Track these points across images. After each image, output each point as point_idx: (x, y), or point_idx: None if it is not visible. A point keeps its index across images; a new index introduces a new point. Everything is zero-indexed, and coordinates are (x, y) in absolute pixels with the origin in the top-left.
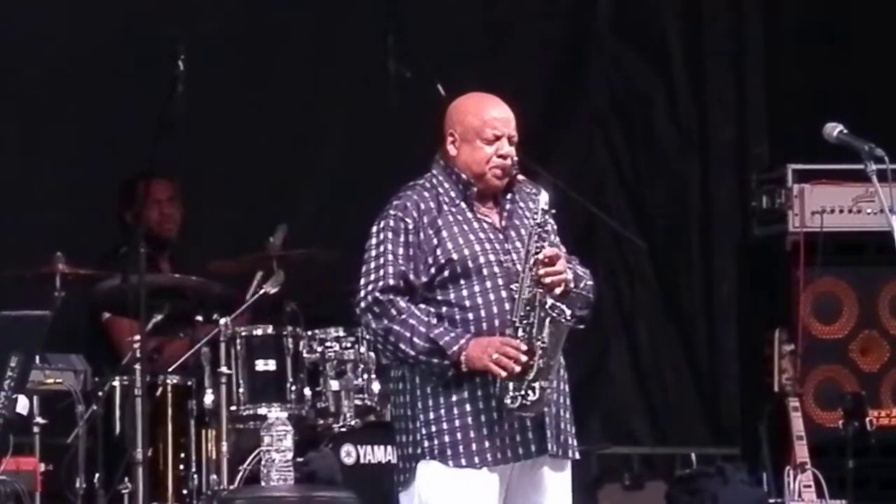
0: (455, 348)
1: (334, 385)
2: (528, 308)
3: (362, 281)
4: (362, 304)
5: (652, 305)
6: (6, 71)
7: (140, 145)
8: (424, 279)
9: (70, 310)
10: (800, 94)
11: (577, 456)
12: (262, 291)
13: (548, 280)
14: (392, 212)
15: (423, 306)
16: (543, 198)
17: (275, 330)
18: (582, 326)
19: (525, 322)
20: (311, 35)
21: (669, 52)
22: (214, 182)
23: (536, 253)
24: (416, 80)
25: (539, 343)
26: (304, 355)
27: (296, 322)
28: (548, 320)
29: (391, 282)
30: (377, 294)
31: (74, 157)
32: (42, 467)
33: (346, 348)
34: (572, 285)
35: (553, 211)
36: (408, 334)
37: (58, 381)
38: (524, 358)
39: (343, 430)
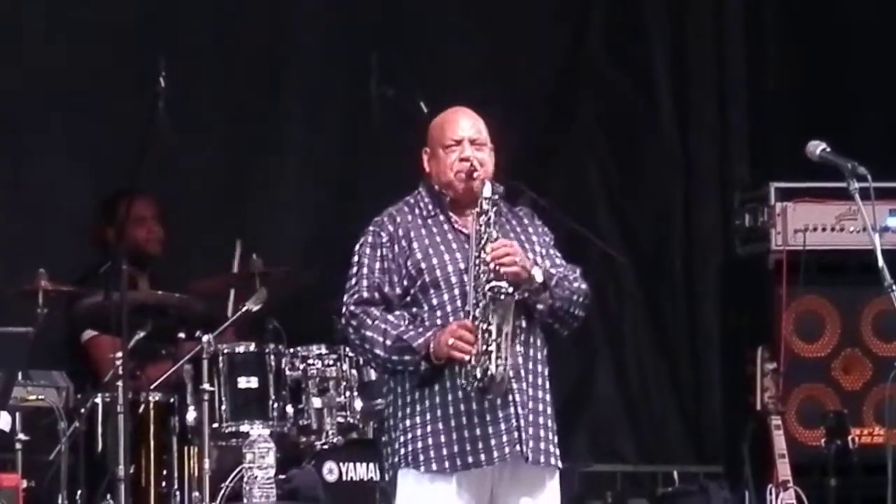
0: (421, 341)
1: (316, 402)
2: (478, 295)
3: (344, 297)
4: (343, 320)
5: (638, 324)
6: None
7: (122, 163)
8: (399, 290)
9: (52, 327)
10: (782, 113)
11: (559, 464)
12: (244, 309)
13: (493, 264)
14: (371, 228)
15: (398, 312)
16: (486, 188)
17: (257, 347)
18: (516, 294)
19: (477, 308)
20: (294, 55)
21: (654, 76)
22: (194, 201)
23: (481, 241)
24: (399, 98)
25: (483, 326)
26: (287, 373)
27: (278, 339)
28: (490, 301)
29: (365, 294)
30: (352, 307)
31: (57, 175)
32: (24, 484)
33: (329, 366)
34: (527, 265)
35: (496, 197)
36: (380, 338)
37: (40, 397)
38: (477, 340)
39: (325, 447)
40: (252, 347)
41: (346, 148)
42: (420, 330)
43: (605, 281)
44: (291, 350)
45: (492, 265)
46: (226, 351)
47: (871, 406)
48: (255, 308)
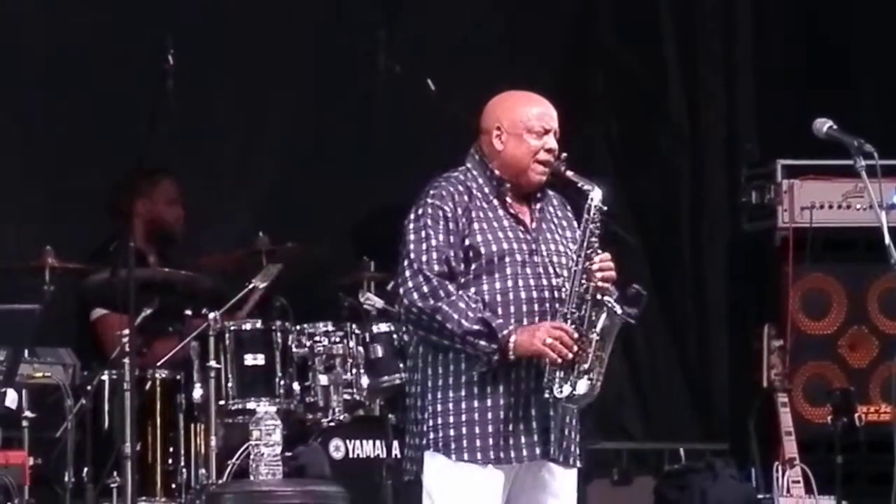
0: (505, 332)
1: (323, 380)
2: (579, 301)
3: (408, 266)
4: (410, 285)
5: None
6: None
7: (130, 141)
8: (462, 266)
9: (59, 304)
10: (790, 90)
11: (579, 464)
12: (251, 286)
13: (600, 275)
14: (430, 200)
15: (472, 294)
16: (597, 194)
17: (263, 324)
18: (633, 321)
19: (576, 315)
20: (301, 31)
21: (663, 53)
22: (203, 178)
23: (589, 248)
24: (407, 75)
25: (594, 336)
26: (293, 350)
27: (285, 316)
28: (603, 312)
29: (436, 267)
30: (427, 273)
31: (65, 154)
32: (31, 461)
33: (335, 343)
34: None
35: (605, 208)
36: (456, 315)
37: (46, 374)
38: (575, 346)
39: (332, 424)
40: (259, 324)
41: (353, 125)
42: (502, 320)
43: (615, 258)
44: (298, 327)
45: (599, 275)
46: (232, 328)
47: (877, 383)
48: (262, 285)
